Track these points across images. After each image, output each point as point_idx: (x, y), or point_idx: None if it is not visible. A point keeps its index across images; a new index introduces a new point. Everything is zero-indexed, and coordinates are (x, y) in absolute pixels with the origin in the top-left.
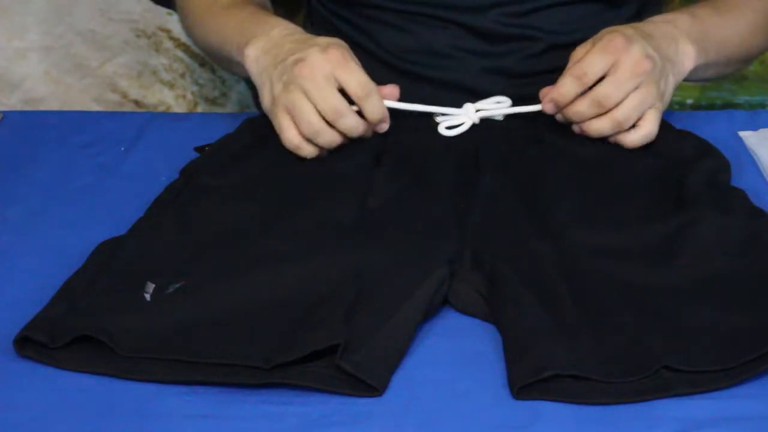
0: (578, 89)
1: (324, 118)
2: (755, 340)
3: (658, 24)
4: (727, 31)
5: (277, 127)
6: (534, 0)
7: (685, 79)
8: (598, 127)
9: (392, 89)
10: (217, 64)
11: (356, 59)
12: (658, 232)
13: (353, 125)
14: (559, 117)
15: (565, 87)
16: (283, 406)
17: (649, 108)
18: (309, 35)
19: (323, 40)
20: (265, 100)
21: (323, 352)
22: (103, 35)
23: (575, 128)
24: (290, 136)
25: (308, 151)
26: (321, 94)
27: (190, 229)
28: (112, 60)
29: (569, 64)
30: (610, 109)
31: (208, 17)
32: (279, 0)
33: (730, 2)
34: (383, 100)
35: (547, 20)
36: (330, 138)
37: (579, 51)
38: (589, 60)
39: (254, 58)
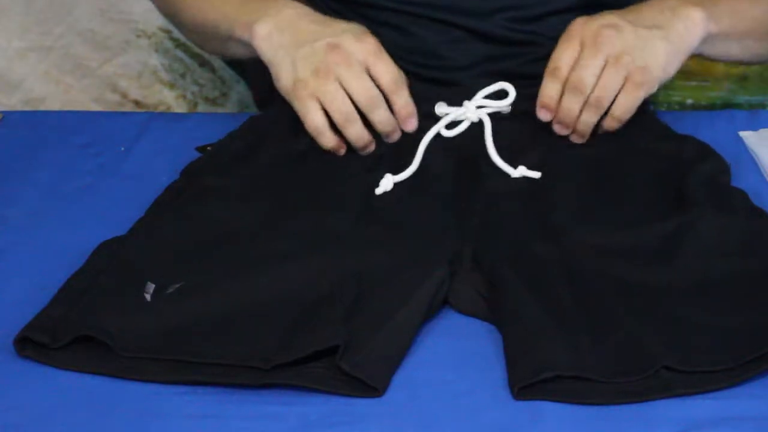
0: (558, 85)
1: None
2: (755, 340)
3: (653, 1)
4: (745, 3)
5: (300, 110)
6: (540, 6)
7: (712, 58)
8: (584, 119)
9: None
10: (206, 47)
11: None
12: (658, 232)
13: (386, 118)
14: (557, 128)
15: (547, 88)
16: (283, 406)
17: (628, 80)
18: (326, 16)
19: (351, 26)
20: (284, 80)
21: (323, 353)
22: (103, 35)
23: (575, 138)
24: (316, 119)
25: (329, 139)
26: (358, 83)
27: (191, 230)
28: (112, 60)
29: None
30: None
31: None
32: None
33: None
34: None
35: (553, 26)
36: (359, 130)
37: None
38: (556, 53)
39: (265, 35)
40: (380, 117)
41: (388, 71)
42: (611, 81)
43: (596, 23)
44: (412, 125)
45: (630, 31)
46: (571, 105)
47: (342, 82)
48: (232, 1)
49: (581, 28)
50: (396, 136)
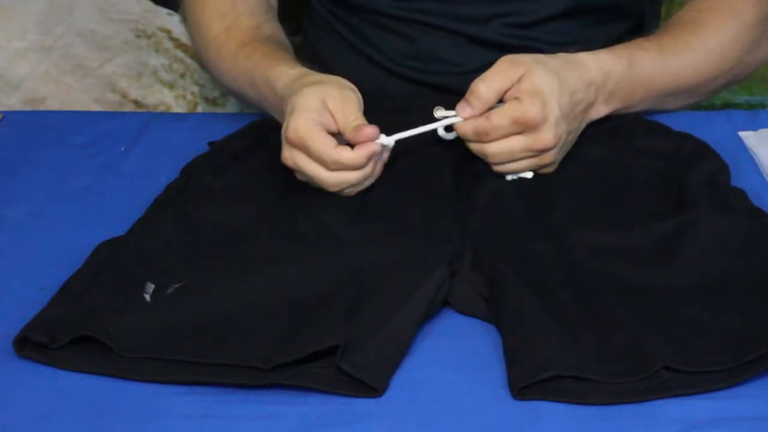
0: (474, 139)
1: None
2: (755, 341)
3: (594, 70)
4: (666, 73)
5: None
6: (535, 12)
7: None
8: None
9: (372, 130)
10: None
11: (321, 119)
12: (658, 232)
13: (361, 182)
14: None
15: (464, 132)
16: (283, 406)
17: (536, 163)
18: (289, 89)
19: (295, 104)
20: None
21: (323, 353)
22: (103, 35)
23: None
24: (346, 192)
25: (367, 180)
26: (318, 180)
27: (190, 229)
28: (112, 60)
29: (480, 88)
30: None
31: (227, 64)
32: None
33: (682, 38)
34: (373, 142)
35: (548, 31)
36: (362, 186)
37: (487, 83)
38: (498, 126)
39: None
40: (356, 186)
41: (318, 153)
42: (519, 166)
43: (546, 131)
44: (378, 170)
45: (563, 141)
46: (467, 135)
47: (309, 178)
48: (249, 86)
49: (534, 126)
50: (378, 168)
